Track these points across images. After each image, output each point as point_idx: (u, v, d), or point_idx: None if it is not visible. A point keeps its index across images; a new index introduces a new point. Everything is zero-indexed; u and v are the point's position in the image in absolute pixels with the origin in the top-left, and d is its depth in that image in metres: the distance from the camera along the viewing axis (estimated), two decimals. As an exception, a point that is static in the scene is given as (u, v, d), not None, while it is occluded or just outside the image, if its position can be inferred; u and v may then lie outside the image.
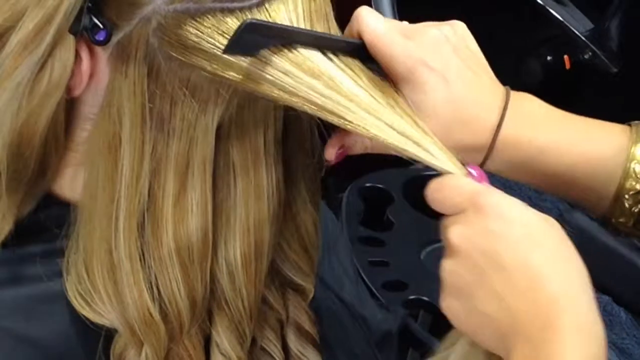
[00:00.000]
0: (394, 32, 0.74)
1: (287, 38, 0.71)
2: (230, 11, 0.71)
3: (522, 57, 1.83)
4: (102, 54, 0.74)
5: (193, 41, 0.71)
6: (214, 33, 0.70)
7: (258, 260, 0.79)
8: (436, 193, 0.71)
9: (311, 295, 0.85)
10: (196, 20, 0.70)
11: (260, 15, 0.71)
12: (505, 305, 0.66)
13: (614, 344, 1.14)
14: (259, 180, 0.77)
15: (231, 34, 0.70)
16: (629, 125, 0.78)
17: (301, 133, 0.80)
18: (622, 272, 1.18)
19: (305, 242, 0.84)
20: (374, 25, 0.74)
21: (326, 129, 0.80)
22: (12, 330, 0.78)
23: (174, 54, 0.71)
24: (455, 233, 0.69)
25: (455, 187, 0.71)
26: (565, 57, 1.79)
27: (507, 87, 0.77)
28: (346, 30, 0.76)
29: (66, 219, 0.78)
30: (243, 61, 0.71)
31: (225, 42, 0.70)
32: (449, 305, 0.70)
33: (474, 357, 0.71)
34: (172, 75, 0.73)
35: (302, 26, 0.73)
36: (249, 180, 0.78)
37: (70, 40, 0.72)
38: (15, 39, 0.73)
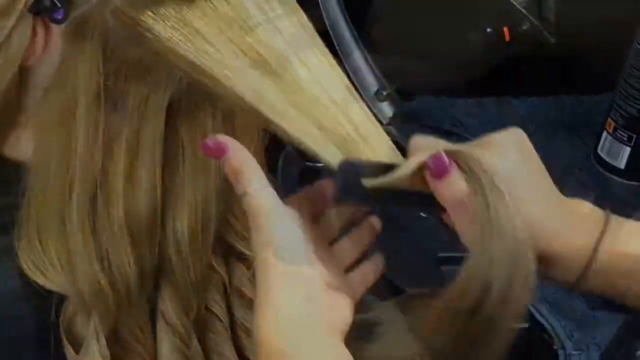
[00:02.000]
0: None
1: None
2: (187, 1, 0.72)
3: (461, 31, 1.85)
4: (57, 28, 0.77)
5: (147, 25, 0.72)
6: (168, 20, 0.72)
7: (205, 234, 0.82)
8: None
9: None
10: (152, 7, 0.72)
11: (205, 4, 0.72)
12: None
13: (545, 298, 1.17)
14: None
15: (182, 23, 0.71)
16: None
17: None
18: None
19: None
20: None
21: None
22: None
23: (128, 35, 0.74)
24: None
25: None
26: (505, 29, 1.81)
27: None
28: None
29: (6, 176, 0.81)
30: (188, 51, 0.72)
31: (173, 31, 0.72)
32: None
33: None
34: (126, 54, 0.75)
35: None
36: (197, 157, 0.80)
37: (29, 17, 0.75)
38: None
